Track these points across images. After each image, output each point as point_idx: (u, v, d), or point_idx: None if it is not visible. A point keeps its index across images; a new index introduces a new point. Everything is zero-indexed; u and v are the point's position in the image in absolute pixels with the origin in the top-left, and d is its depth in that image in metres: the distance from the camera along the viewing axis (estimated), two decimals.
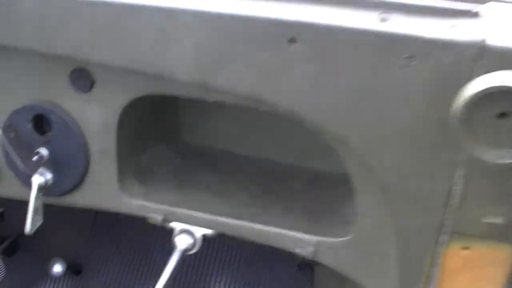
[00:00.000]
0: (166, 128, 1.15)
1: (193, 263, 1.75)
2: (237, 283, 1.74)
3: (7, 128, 0.95)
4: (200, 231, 1.00)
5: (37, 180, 1.00)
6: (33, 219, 0.99)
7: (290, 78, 0.77)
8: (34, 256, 1.82)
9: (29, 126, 0.99)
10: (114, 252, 1.80)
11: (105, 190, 1.00)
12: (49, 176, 1.01)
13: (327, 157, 1.13)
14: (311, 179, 1.12)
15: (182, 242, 0.99)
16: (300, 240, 0.95)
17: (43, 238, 1.81)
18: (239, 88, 0.81)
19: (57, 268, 1.69)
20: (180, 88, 0.87)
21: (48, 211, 1.85)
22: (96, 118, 0.96)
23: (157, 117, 1.11)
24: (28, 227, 0.98)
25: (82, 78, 0.94)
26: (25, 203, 1.85)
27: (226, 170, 1.12)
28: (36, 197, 1.00)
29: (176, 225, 1.00)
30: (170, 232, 1.84)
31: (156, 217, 0.99)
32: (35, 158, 0.99)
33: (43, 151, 1.00)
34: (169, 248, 1.78)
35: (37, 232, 1.86)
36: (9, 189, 1.06)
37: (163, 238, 1.81)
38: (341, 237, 0.94)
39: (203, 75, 0.81)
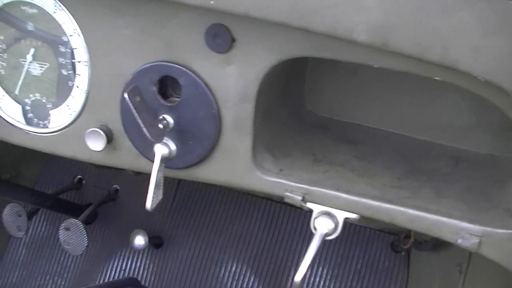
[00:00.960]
0: (292, 96, 1.03)
1: (281, 239, 1.65)
2: (329, 263, 1.63)
3: (132, 91, 0.84)
4: (342, 215, 0.88)
5: (160, 150, 0.89)
6: (154, 194, 0.88)
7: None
8: (113, 226, 1.74)
9: (154, 89, 0.88)
10: (195, 225, 1.71)
11: (237, 164, 0.89)
12: (173, 146, 0.90)
13: (468, 136, 1.00)
14: (455, 159, 0.99)
15: (322, 226, 0.87)
16: (463, 229, 0.82)
17: (123, 209, 1.74)
18: (428, 54, 0.68)
19: (139, 240, 1.60)
20: (344, 50, 0.75)
21: (128, 181, 1.77)
22: (233, 83, 0.84)
23: (286, 82, 0.98)
24: (149, 203, 0.88)
25: (220, 36, 0.82)
26: (102, 171, 1.77)
27: (362, 146, 0.99)
28: (159, 170, 0.89)
29: (315, 207, 0.89)
30: (251, 205, 1.75)
31: (294, 197, 0.87)
32: (160, 126, 0.87)
33: (168, 118, 0.89)
34: (250, 220, 1.70)
35: (117, 202, 1.78)
36: (125, 159, 0.95)
37: (244, 212, 1.72)
38: (506, 228, 0.82)
39: (386, 35, 0.68)
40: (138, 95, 0.85)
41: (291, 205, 1.66)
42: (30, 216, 1.60)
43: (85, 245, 1.54)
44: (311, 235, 0.86)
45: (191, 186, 1.74)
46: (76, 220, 1.52)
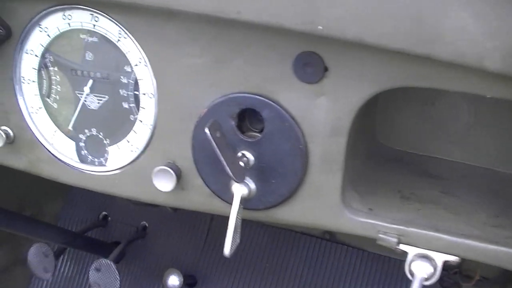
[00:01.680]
0: (365, 128, 0.96)
1: (323, 277, 1.57)
2: None
3: (213, 126, 0.76)
4: (441, 257, 0.80)
5: (240, 190, 0.81)
6: (233, 239, 0.80)
7: None
8: (144, 265, 1.64)
9: (232, 123, 0.81)
10: (230, 262, 1.62)
11: (324, 204, 0.81)
12: (253, 185, 0.82)
13: None
14: None
15: (420, 270, 0.80)
16: None
17: (153, 247, 1.65)
18: None
19: (173, 281, 1.51)
20: (458, 79, 0.68)
21: (157, 217, 1.68)
22: (323, 115, 0.77)
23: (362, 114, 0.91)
24: (227, 249, 0.80)
25: (311, 64, 0.75)
26: (131, 207, 1.68)
27: (447, 181, 0.92)
28: (238, 212, 0.80)
29: (410, 249, 0.81)
30: (289, 240, 1.66)
31: (389, 239, 0.80)
32: (241, 163, 0.80)
33: (248, 155, 0.81)
34: (289, 257, 1.61)
35: (146, 240, 1.69)
36: (195, 200, 0.87)
37: (282, 247, 1.63)
38: None
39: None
40: (218, 130, 0.77)
41: (333, 241, 1.59)
42: (57, 256, 1.50)
43: (118, 286, 1.44)
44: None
45: (226, 221, 1.65)
46: (107, 261, 1.43)
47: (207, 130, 0.75)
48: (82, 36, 0.87)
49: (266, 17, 0.67)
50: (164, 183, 0.85)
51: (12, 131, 0.95)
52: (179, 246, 1.65)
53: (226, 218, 1.54)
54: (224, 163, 0.76)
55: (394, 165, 0.95)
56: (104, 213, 1.73)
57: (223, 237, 1.66)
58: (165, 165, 0.86)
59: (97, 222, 1.70)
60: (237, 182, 0.79)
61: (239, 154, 0.81)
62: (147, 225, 1.69)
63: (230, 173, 0.77)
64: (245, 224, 1.67)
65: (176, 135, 0.85)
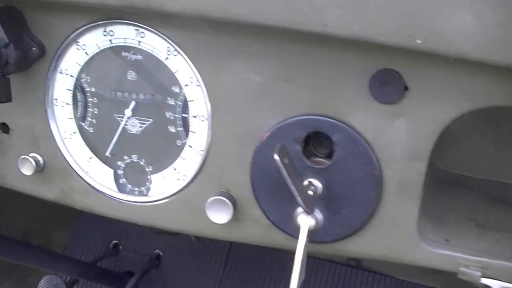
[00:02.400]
0: None
1: None
2: None
3: (281, 151, 0.69)
4: None
5: (307, 221, 0.73)
6: (299, 276, 0.72)
7: None
8: None
9: (298, 148, 0.74)
10: None
11: (398, 235, 0.74)
12: (320, 216, 0.75)
13: None
14: None
15: None
16: None
17: (167, 277, 1.55)
18: None
19: None
20: None
21: (171, 245, 1.59)
22: (402, 138, 0.70)
23: None
24: (294, 286, 0.71)
25: (390, 83, 0.69)
26: (145, 233, 1.59)
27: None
28: (305, 245, 0.73)
29: (493, 283, 0.74)
30: (313, 267, 1.57)
31: (472, 273, 0.73)
32: (310, 192, 0.72)
33: (316, 183, 0.74)
34: (313, 285, 1.52)
35: (160, 269, 1.59)
36: (253, 233, 0.79)
37: (305, 275, 1.55)
38: None
39: None
40: (286, 156, 0.70)
41: (359, 268, 1.52)
42: None
43: None
44: None
45: (245, 248, 1.57)
46: None
47: (276, 156, 0.68)
48: (124, 53, 0.80)
49: (356, 31, 0.60)
50: (220, 215, 0.77)
51: (43, 158, 0.87)
52: (196, 276, 1.56)
53: (246, 245, 1.45)
54: (296, 192, 0.69)
55: (457, 190, 0.89)
56: (114, 241, 1.63)
57: (242, 266, 1.58)
58: (218, 195, 0.78)
59: (108, 251, 1.60)
60: (308, 213, 0.72)
61: (305, 182, 0.74)
62: (161, 253, 1.60)
63: (302, 204, 0.70)
64: (264, 251, 1.59)
65: (232, 162, 0.77)
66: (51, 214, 1.49)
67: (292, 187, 0.69)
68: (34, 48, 0.81)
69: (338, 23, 0.60)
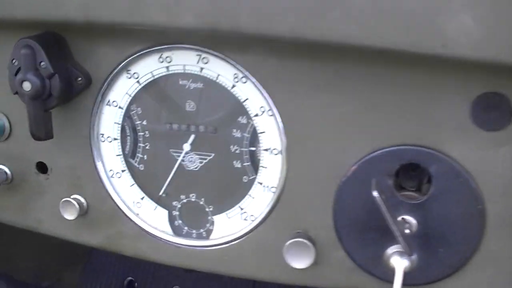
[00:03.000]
0: None
1: None
2: None
3: (378, 187, 0.61)
4: None
5: (401, 263, 0.65)
6: None
7: None
8: None
9: (389, 183, 0.66)
10: None
11: (500, 275, 0.68)
12: (414, 256, 0.67)
13: None
14: None
15: None
16: None
17: None
18: None
19: None
20: None
21: (191, 282, 1.48)
22: (507, 169, 0.63)
23: None
24: None
25: (495, 108, 0.62)
26: (157, 270, 1.49)
27: None
28: None
29: None
30: None
31: None
32: (406, 231, 0.65)
33: (410, 220, 0.66)
34: None
35: None
36: (335, 277, 0.71)
37: None
38: None
39: None
40: (382, 192, 0.62)
41: None
42: None
43: None
44: None
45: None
46: None
47: (376, 193, 0.60)
48: (182, 81, 0.71)
49: (479, 51, 0.53)
50: (300, 259, 0.69)
51: (86, 200, 0.77)
52: None
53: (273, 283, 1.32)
54: (398, 233, 0.61)
55: None
56: (129, 278, 1.53)
57: None
58: (296, 237, 0.69)
59: None
60: (404, 254, 0.64)
61: (399, 219, 0.66)
62: None
63: (403, 244, 0.62)
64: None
65: (311, 200, 0.69)
66: (63, 253, 1.39)
67: (394, 227, 0.61)
68: (79, 78, 0.72)
69: (460, 44, 0.53)
